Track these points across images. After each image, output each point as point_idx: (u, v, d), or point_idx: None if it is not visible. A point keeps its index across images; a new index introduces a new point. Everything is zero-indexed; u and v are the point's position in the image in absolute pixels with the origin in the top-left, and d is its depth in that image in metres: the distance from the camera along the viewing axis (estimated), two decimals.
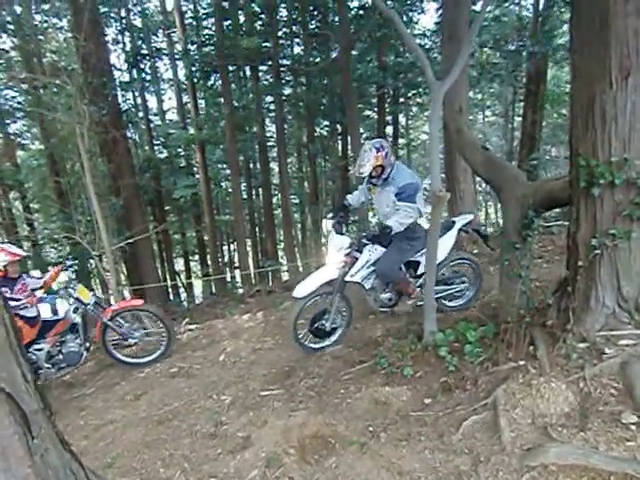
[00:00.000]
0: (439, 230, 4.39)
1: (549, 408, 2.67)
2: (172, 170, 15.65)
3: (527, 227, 3.40)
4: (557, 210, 6.19)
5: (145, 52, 15.09)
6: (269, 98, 15.11)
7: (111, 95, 10.34)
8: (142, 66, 15.28)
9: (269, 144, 16.11)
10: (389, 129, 15.66)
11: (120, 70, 14.89)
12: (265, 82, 14.73)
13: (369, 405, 3.42)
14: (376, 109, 14.75)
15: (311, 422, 3.26)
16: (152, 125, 16.73)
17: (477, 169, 3.84)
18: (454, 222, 4.51)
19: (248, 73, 14.40)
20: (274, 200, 16.88)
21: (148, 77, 16.03)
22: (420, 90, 13.46)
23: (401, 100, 14.95)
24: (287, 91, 14.84)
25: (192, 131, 15.22)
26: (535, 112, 11.79)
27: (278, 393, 3.80)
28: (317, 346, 4.41)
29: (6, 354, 1.23)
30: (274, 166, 17.25)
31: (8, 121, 14.30)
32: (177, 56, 14.98)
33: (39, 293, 4.55)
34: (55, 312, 4.50)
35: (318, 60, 13.35)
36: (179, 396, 4.06)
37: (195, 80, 14.19)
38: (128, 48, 14.83)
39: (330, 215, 4.62)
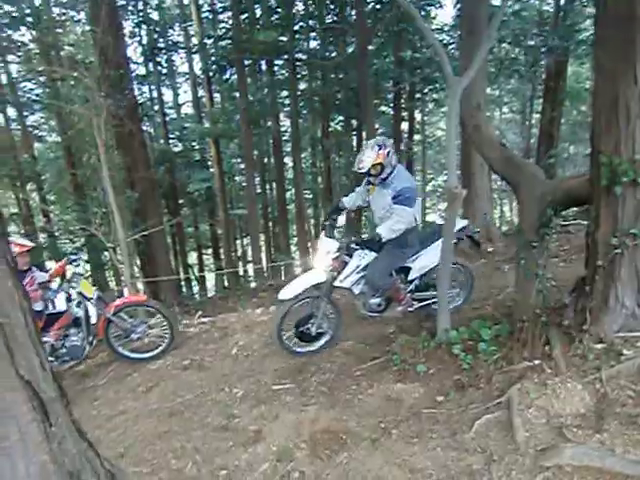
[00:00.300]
0: (432, 235, 4.32)
1: (564, 408, 2.64)
2: (187, 164, 15.75)
3: (545, 225, 3.34)
4: (575, 209, 6.09)
5: (161, 45, 15.17)
6: (284, 93, 15.11)
7: (128, 88, 10.40)
8: (158, 59, 15.37)
9: (283, 139, 16.10)
10: (404, 125, 15.54)
11: (136, 63, 15.00)
12: (280, 76, 14.72)
13: (381, 401, 3.41)
14: (392, 105, 14.64)
15: (322, 417, 3.26)
16: (167, 119, 16.82)
17: (495, 166, 3.78)
18: None
19: (264, 67, 14.39)
20: (288, 195, 16.89)
21: (164, 70, 16.12)
22: (437, 86, 13.33)
23: (417, 96, 14.82)
24: (302, 86, 14.81)
25: (207, 125, 15.29)
26: (554, 109, 11.59)
27: (290, 387, 3.80)
28: (302, 350, 4.30)
29: (26, 343, 1.24)
30: (288, 161, 17.25)
31: (26, 113, 14.48)
32: (193, 50, 15.02)
33: (54, 286, 4.58)
34: (60, 306, 4.52)
35: (334, 54, 13.29)
36: (191, 388, 4.07)
37: (211, 74, 14.23)
38: (145, 41, 14.91)
39: (325, 217, 4.50)
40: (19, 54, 12.74)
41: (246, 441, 3.15)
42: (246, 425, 3.34)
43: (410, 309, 4.37)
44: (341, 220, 4.48)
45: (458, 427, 2.89)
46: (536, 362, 3.01)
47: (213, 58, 12.74)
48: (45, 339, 4.41)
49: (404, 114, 15.11)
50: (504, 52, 12.20)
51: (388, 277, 4.13)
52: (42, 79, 12.47)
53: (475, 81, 3.76)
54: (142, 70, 15.42)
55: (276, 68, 14.52)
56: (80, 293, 4.60)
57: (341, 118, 15.77)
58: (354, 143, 15.37)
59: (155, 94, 16.45)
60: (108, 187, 6.70)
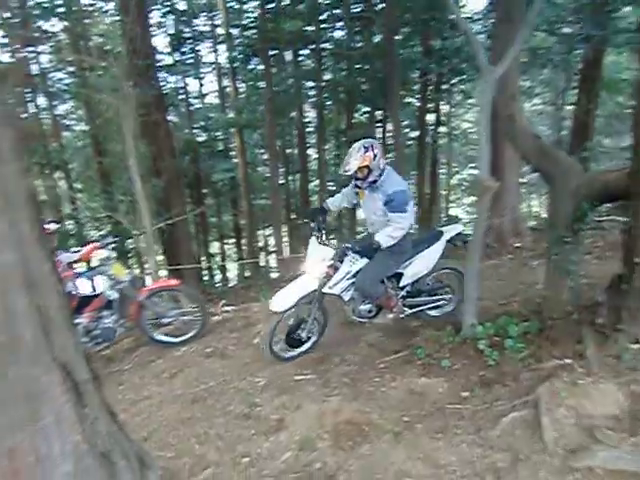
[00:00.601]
0: (426, 240, 4.17)
1: (596, 409, 2.56)
2: (210, 153, 15.82)
3: (579, 220, 3.23)
4: (608, 205, 5.89)
5: (188, 35, 15.19)
6: (309, 83, 14.99)
7: (154, 78, 10.46)
8: (184, 49, 15.41)
9: (307, 130, 16.01)
10: (430, 117, 15.24)
11: (162, 53, 15.04)
12: (305, 67, 14.61)
13: (404, 395, 3.37)
14: (418, 96, 14.39)
15: (345, 408, 3.24)
16: (192, 108, 16.89)
17: (529, 158, 3.67)
18: (442, 232, 4.23)
19: (289, 57, 14.30)
20: (310, 186, 16.83)
21: (190, 60, 16.16)
22: (465, 77, 13.00)
23: (444, 87, 14.50)
24: (327, 76, 14.67)
25: (231, 115, 15.31)
26: (590, 100, 11.15)
27: (312, 378, 3.79)
28: (288, 355, 4.15)
29: (61, 325, 1.25)
30: (311, 152, 17.16)
31: (55, 103, 14.72)
32: (219, 39, 15.02)
33: (79, 269, 4.62)
34: (93, 288, 4.58)
35: (360, 44, 13.10)
36: (214, 376, 4.10)
37: (236, 64, 14.21)
38: (171, 31, 14.95)
39: (307, 220, 4.34)
40: (50, 44, 12.97)
41: (268, 430, 3.15)
42: (268, 414, 3.34)
43: (401, 315, 4.24)
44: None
45: (483, 424, 2.84)
46: (567, 361, 2.94)
47: (239, 48, 12.72)
48: (79, 321, 4.47)
49: (430, 106, 14.84)
50: (538, 41, 11.77)
51: (379, 285, 3.98)
52: (71, 69, 12.67)
53: (509, 70, 3.64)
54: (168, 60, 15.48)
55: (301, 58, 14.42)
56: (113, 276, 4.65)
57: (366, 109, 15.58)
58: (380, 135, 15.20)
59: (180, 84, 16.52)
60: (135, 176, 6.75)
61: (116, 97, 6.87)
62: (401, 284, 4.15)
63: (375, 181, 3.69)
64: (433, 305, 4.38)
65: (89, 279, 4.57)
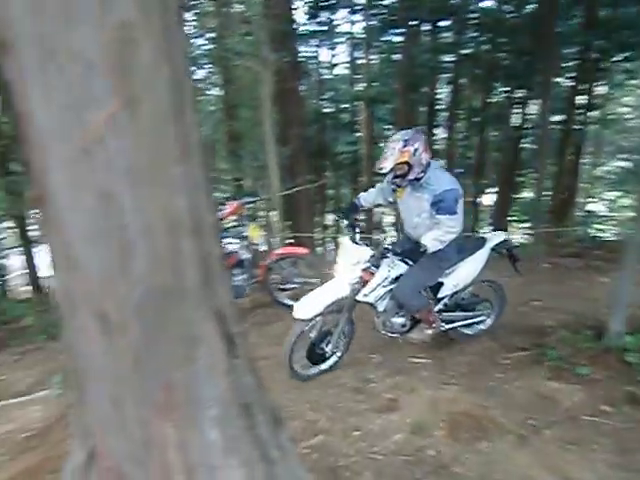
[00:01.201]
0: (473, 246, 3.65)
1: None
2: (336, 125, 15.85)
3: None
4: None
5: (325, 4, 15.15)
6: (444, 57, 14.16)
7: (291, 45, 10.60)
8: (320, 18, 15.42)
9: (437, 108, 15.24)
10: (580, 99, 13.47)
11: (298, 22, 15.16)
12: (443, 39, 13.80)
13: (530, 397, 3.13)
14: (569, 75, 12.79)
15: (462, 399, 3.10)
16: (322, 78, 16.95)
17: None
18: (485, 240, 3.68)
19: (425, 29, 13.58)
20: None
21: (325, 29, 16.16)
22: (632, 53, 11.06)
23: (603, 65, 12.61)
24: (466, 50, 13.73)
25: (360, 87, 15.14)
26: None
27: (427, 363, 3.67)
28: (310, 373, 3.62)
29: (219, 274, 1.28)
30: (438, 131, 16.35)
31: (194, 68, 15.62)
32: (356, 8, 14.77)
33: (226, 225, 4.80)
34: (229, 246, 4.75)
35: (510, 15, 11.96)
36: None
37: (372, 34, 13.88)
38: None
39: (340, 216, 3.81)
40: (195, 11, 13.78)
41: (380, 407, 3.10)
42: (381, 392, 3.29)
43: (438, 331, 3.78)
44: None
45: (629, 445, 2.53)
46: None
47: (378, 17, 12.35)
48: None
49: (582, 87, 13.11)
50: None
51: (421, 295, 3.52)
52: (212, 35, 13.34)
53: None
54: (304, 28, 15.59)
55: (439, 30, 13.61)
56: (248, 236, 4.81)
57: (504, 89, 14.35)
58: (517, 118, 13.94)
59: (314, 53, 16.62)
60: (270, 141, 6.92)
61: (256, 62, 7.08)
62: (440, 295, 3.68)
63: (419, 179, 3.24)
64: (470, 322, 3.93)
65: (227, 237, 4.77)
